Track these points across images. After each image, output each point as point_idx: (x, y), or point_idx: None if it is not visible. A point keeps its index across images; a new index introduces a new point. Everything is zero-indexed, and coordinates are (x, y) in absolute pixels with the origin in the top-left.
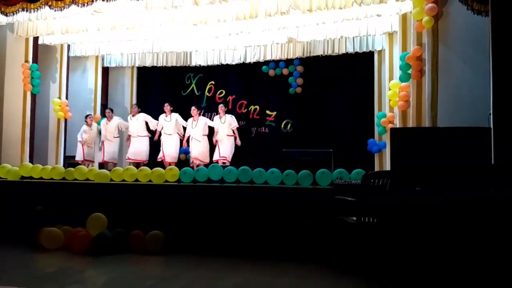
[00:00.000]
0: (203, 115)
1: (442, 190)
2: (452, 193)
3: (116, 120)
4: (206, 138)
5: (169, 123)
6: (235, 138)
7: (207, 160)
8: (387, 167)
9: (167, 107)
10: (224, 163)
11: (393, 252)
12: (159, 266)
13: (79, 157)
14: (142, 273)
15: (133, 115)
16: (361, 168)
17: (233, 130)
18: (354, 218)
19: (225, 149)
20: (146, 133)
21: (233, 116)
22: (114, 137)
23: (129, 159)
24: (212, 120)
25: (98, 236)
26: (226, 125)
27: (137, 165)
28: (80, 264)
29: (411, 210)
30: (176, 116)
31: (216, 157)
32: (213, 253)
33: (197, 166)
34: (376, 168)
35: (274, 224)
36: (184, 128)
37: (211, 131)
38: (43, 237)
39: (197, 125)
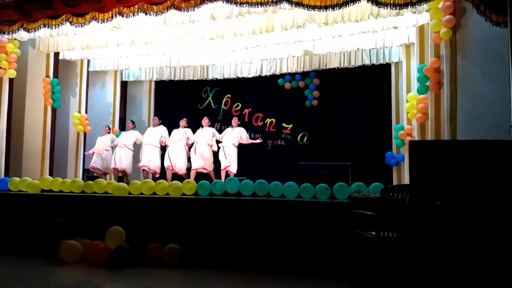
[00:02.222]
0: (219, 127)
1: (463, 204)
2: (473, 207)
3: (134, 132)
4: (210, 148)
5: (178, 132)
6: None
7: (210, 168)
8: (406, 180)
9: (183, 122)
10: (227, 171)
11: (413, 268)
12: (176, 279)
13: (91, 163)
14: (159, 287)
15: (154, 126)
16: (379, 182)
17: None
18: (373, 233)
19: (229, 156)
20: (158, 144)
21: (244, 130)
22: (126, 146)
23: (143, 166)
24: (220, 134)
25: (117, 249)
26: (235, 134)
27: (148, 174)
28: (99, 277)
29: (431, 224)
30: (187, 130)
31: (222, 165)
32: (229, 266)
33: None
34: (394, 182)
35: (291, 238)
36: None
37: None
38: (63, 250)
39: (205, 131)
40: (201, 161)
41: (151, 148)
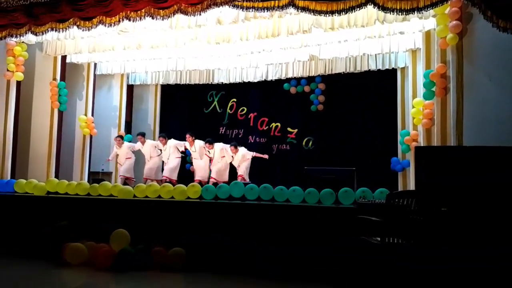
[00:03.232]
0: (225, 131)
1: (468, 210)
2: (479, 213)
3: (150, 142)
4: (224, 160)
5: (195, 153)
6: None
7: (225, 179)
8: (411, 186)
9: (189, 138)
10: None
11: (419, 274)
12: (181, 283)
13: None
14: None
15: (163, 145)
16: (385, 187)
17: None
18: (378, 239)
19: (241, 169)
20: (177, 154)
21: (245, 149)
22: (151, 156)
23: (165, 177)
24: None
25: (121, 252)
26: (238, 159)
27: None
28: (103, 280)
29: (437, 231)
30: (199, 143)
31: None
32: (234, 270)
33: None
34: (400, 187)
35: (295, 243)
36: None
37: None
38: (68, 253)
39: (214, 152)
40: (220, 175)
41: (171, 160)
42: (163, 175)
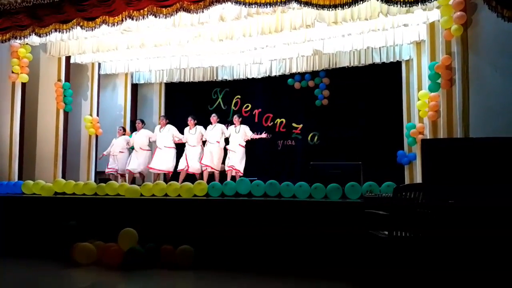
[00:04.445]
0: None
1: (477, 203)
2: (487, 206)
3: (145, 131)
4: (219, 146)
5: (193, 136)
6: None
7: (218, 168)
8: (418, 179)
9: (190, 121)
10: (233, 174)
11: (427, 268)
12: (189, 281)
13: (108, 166)
14: None
15: (161, 127)
16: (391, 181)
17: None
18: (386, 233)
19: (235, 159)
20: (172, 144)
21: (248, 127)
22: (141, 148)
23: (152, 168)
24: (227, 129)
25: (130, 251)
26: (239, 135)
27: (159, 175)
28: (112, 279)
29: (445, 224)
30: (200, 128)
31: (226, 167)
32: (242, 267)
33: (208, 173)
34: (406, 180)
35: (302, 239)
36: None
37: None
38: (77, 252)
39: (214, 128)
40: (211, 160)
41: (165, 150)
42: (151, 166)
